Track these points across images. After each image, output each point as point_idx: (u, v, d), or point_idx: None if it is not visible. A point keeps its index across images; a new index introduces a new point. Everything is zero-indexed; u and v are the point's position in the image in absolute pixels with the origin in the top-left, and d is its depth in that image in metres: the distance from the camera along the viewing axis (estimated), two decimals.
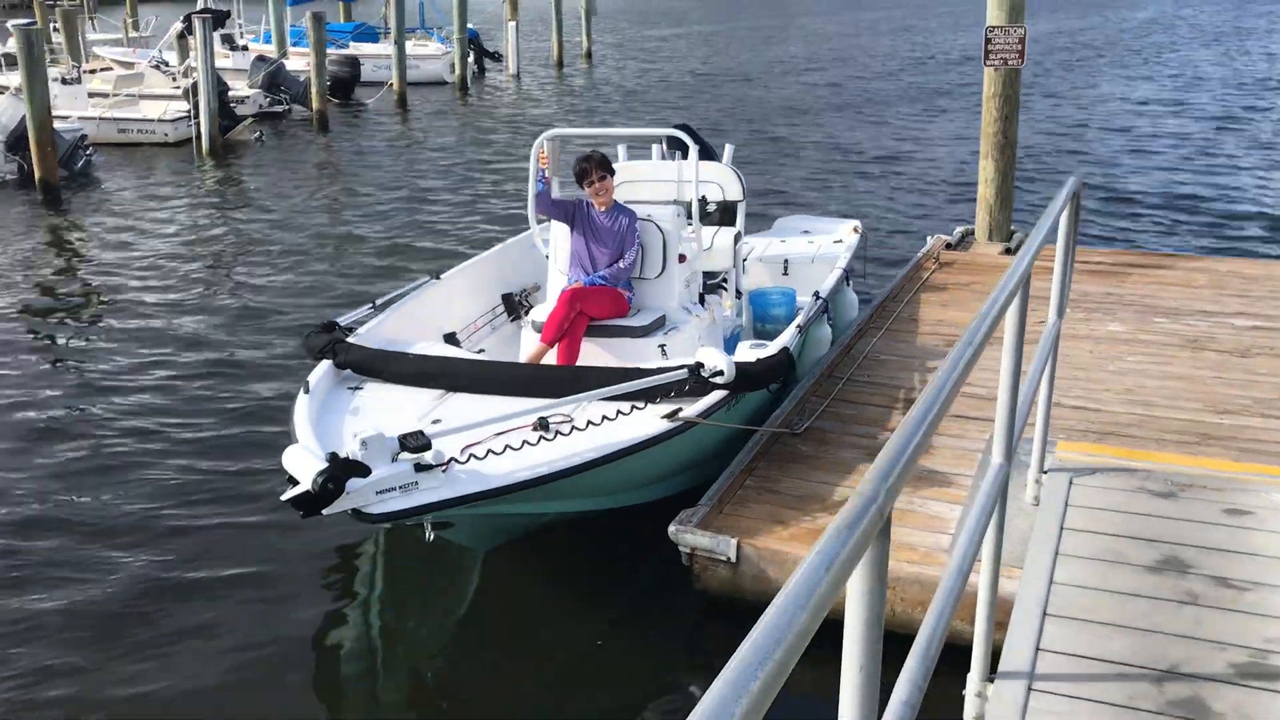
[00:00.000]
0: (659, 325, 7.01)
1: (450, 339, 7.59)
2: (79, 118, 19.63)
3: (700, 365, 5.57)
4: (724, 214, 8.63)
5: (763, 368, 5.84)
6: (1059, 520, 4.68)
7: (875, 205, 15.30)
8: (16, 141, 17.01)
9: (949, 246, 10.42)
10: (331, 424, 5.57)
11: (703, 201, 8.69)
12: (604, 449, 5.06)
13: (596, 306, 6.82)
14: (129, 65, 27.09)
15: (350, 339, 6.47)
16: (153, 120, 20.65)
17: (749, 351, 6.24)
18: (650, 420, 5.36)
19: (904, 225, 13.99)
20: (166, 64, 24.46)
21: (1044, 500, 4.97)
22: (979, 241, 10.80)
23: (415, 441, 4.63)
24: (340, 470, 4.37)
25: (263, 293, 11.48)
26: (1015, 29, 10.14)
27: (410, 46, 32.85)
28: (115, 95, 21.52)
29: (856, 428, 6.26)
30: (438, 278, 7.78)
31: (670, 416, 5.34)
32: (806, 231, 10.04)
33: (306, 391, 5.78)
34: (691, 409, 5.45)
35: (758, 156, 19.16)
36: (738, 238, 8.27)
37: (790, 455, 5.88)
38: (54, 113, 19.86)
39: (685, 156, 7.71)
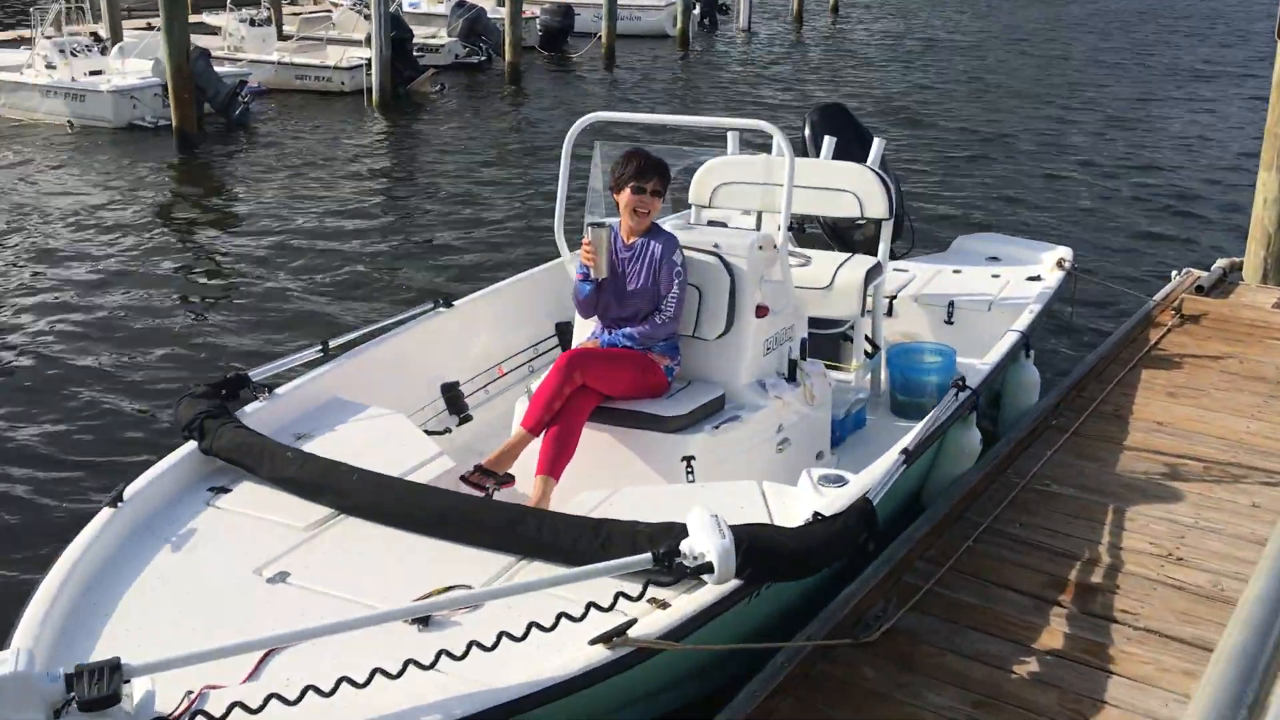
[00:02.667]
0: (709, 412, 4.69)
1: (450, 393, 5.53)
2: (249, 61, 18.63)
3: (674, 548, 3.20)
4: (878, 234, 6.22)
5: (799, 547, 3.34)
6: None
7: (1099, 228, 11.61)
8: None
9: (1200, 289, 7.53)
10: (133, 563, 3.60)
11: (830, 221, 6.30)
12: (485, 700, 2.85)
13: (609, 379, 4.57)
14: (336, 7, 26.31)
15: (250, 407, 4.50)
16: (329, 68, 19.44)
17: (808, 495, 3.86)
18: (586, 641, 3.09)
19: (1135, 260, 10.45)
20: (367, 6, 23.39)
21: None
22: (1248, 284, 7.84)
23: (94, 688, 2.57)
24: None
25: (367, 277, 9.81)
26: None
27: None
28: (299, 39, 20.51)
29: (976, 640, 3.72)
30: (448, 305, 5.70)
31: (609, 640, 3.05)
32: (994, 259, 7.38)
33: (115, 503, 3.80)
34: (657, 622, 3.15)
35: (956, 150, 15.55)
36: (873, 272, 5.84)
37: (843, 686, 3.45)
38: (239, 55, 19.10)
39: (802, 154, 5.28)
